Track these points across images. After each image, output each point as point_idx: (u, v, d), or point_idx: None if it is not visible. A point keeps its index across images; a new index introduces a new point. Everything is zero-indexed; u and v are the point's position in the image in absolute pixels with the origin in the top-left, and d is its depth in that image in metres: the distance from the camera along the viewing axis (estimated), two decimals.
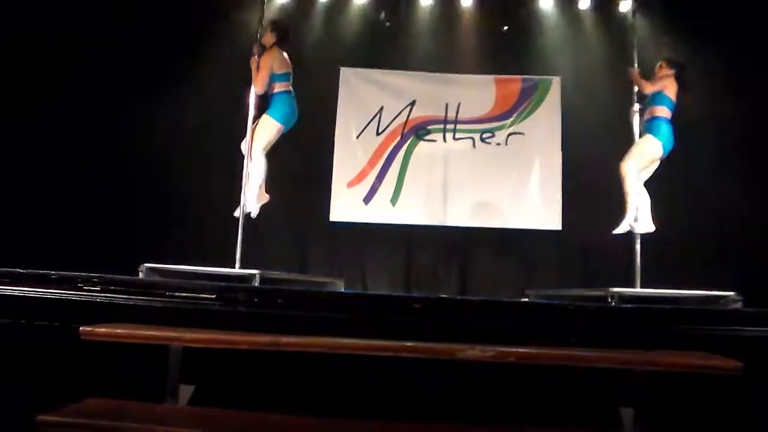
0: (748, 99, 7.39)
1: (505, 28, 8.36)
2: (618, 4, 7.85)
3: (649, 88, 6.17)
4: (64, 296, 3.86)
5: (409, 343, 3.37)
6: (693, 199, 7.30)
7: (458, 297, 6.56)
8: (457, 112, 8.39)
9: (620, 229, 6.14)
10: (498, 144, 8.32)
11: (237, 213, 6.19)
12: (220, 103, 6.64)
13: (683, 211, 7.21)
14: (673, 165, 6.23)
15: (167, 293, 3.93)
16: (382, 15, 8.39)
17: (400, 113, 8.40)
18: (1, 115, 6.84)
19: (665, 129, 6.06)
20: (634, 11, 7.36)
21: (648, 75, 6.33)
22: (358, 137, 8.36)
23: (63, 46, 7.36)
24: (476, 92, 8.44)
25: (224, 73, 6.43)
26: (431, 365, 3.53)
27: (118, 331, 3.41)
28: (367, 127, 8.38)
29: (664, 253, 6.83)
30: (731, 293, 5.43)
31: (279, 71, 6.27)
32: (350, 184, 8.23)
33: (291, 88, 6.30)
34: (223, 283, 4.44)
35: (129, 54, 7.55)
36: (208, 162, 7.86)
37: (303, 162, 7.82)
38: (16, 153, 6.92)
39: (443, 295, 6.13)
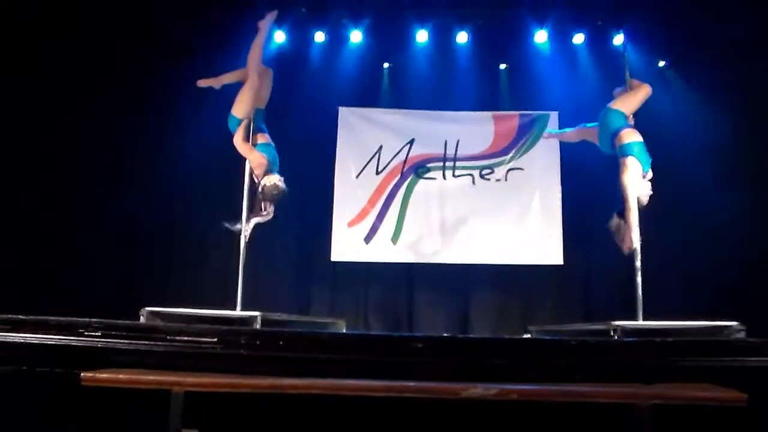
0: (744, 127, 7.44)
1: (503, 65, 8.44)
2: (611, 38, 7.90)
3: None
4: (65, 342, 3.84)
5: (412, 383, 3.36)
6: (693, 229, 7.30)
7: (460, 336, 6.54)
8: (456, 149, 8.42)
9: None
10: (498, 180, 8.34)
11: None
12: (221, 143, 6.66)
13: (684, 241, 7.22)
14: (671, 194, 6.23)
15: (168, 337, 3.91)
16: (379, 56, 8.43)
17: (399, 152, 8.43)
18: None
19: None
20: (625, 44, 7.43)
21: None
22: (357, 176, 8.37)
23: (60, 87, 7.42)
24: (475, 129, 8.47)
25: (222, 113, 6.46)
26: (435, 405, 3.52)
27: (120, 376, 3.40)
28: (367, 166, 8.40)
29: (666, 284, 6.85)
30: (734, 323, 5.40)
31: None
32: (351, 224, 8.22)
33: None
34: (224, 327, 4.42)
35: (124, 94, 7.61)
36: (209, 203, 7.87)
37: (303, 202, 7.81)
38: (13, 197, 6.93)
39: (445, 334, 6.12)
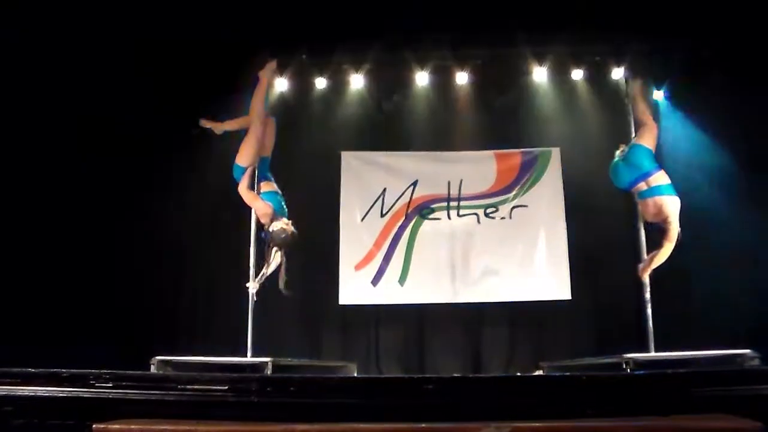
0: (751, 153, 7.45)
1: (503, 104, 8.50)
2: (610, 72, 7.93)
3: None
4: (76, 394, 3.85)
5: (423, 425, 3.35)
6: (701, 257, 7.28)
7: (470, 375, 6.52)
8: (460, 189, 8.44)
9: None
10: (502, 218, 8.34)
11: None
12: (229, 190, 6.71)
13: (692, 270, 7.20)
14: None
15: (179, 386, 3.91)
16: (380, 99, 8.48)
17: (403, 194, 8.46)
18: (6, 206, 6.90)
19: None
20: (627, 78, 7.49)
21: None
22: (362, 220, 8.39)
23: (67, 135, 7.46)
24: (477, 168, 8.50)
25: (230, 161, 6.52)
26: None
27: (132, 427, 3.40)
28: (371, 210, 8.42)
29: (676, 314, 6.83)
30: (747, 351, 5.39)
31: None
32: (357, 267, 8.22)
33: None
34: (235, 374, 4.41)
35: (130, 144, 7.67)
36: (217, 251, 7.91)
37: (309, 247, 7.81)
38: (20, 252, 6.95)
39: (455, 375, 6.10)
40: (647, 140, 6.38)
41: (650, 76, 7.74)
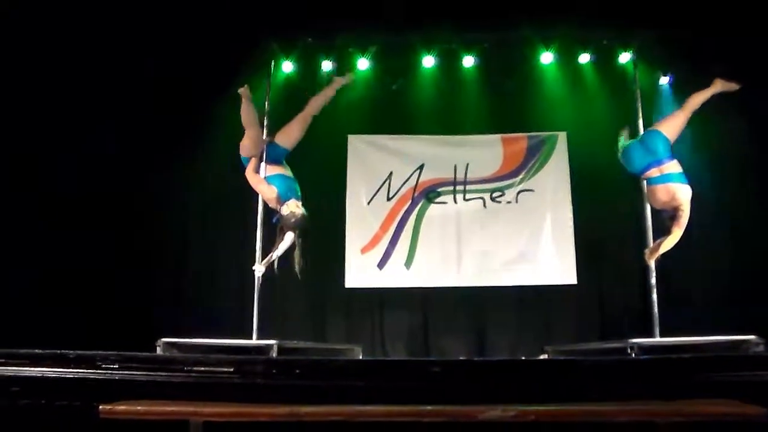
0: (757, 143, 7.42)
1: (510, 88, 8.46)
2: (618, 56, 7.91)
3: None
4: (82, 375, 3.86)
5: (429, 407, 3.36)
6: (705, 244, 7.27)
7: (476, 359, 6.53)
8: (466, 173, 8.43)
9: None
10: (509, 202, 8.33)
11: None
12: (233, 174, 6.71)
13: (697, 257, 7.19)
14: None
15: (185, 368, 3.92)
16: (386, 83, 8.45)
17: (409, 177, 8.45)
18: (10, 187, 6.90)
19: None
20: (635, 62, 7.46)
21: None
22: (369, 203, 8.39)
23: (72, 120, 7.44)
24: (484, 152, 8.49)
25: (235, 143, 6.52)
26: (453, 428, 3.50)
27: (138, 408, 3.41)
28: (378, 193, 8.42)
29: (682, 299, 6.82)
30: (752, 337, 5.38)
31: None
32: (364, 250, 8.23)
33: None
34: (240, 356, 4.43)
35: (137, 127, 7.67)
36: (224, 233, 7.93)
37: (316, 230, 7.81)
38: (25, 236, 6.96)
39: (461, 358, 6.12)
40: (669, 129, 6.30)
41: (656, 61, 7.72)
